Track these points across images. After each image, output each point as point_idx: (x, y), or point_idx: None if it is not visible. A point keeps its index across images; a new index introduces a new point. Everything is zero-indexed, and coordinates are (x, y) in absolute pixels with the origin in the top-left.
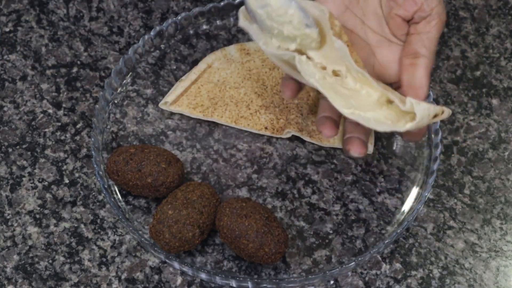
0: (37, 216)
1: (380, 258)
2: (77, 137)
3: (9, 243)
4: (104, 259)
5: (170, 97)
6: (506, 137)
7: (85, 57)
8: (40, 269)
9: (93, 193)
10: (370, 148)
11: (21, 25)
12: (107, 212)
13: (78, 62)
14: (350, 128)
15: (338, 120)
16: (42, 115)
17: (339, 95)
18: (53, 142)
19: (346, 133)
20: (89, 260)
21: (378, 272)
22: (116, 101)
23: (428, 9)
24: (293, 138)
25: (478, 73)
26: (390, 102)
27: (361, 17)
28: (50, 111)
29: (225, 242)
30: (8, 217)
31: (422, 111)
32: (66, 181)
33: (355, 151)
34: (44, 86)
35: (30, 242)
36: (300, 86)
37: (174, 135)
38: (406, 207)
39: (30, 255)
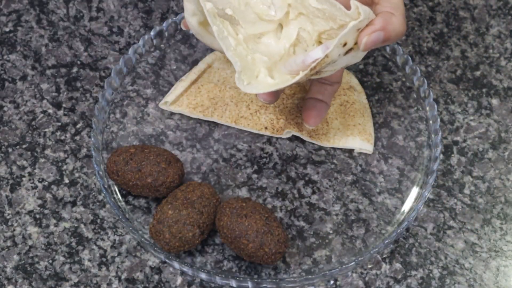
0: (37, 216)
1: (380, 258)
2: (77, 137)
3: (9, 243)
4: (104, 259)
5: (170, 97)
6: (506, 137)
7: (85, 57)
8: (40, 269)
9: (93, 193)
10: (370, 148)
11: (21, 25)
12: (107, 212)
13: (78, 62)
14: (314, 89)
15: (329, 102)
16: (42, 115)
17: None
18: (53, 142)
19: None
20: (89, 260)
21: (378, 272)
22: (116, 101)
23: None
24: (293, 138)
25: (478, 73)
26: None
27: None
28: (50, 111)
29: (225, 242)
30: (8, 217)
31: (367, 11)
32: (66, 181)
33: (311, 123)
34: (44, 86)
35: (30, 242)
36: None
37: (174, 135)
38: (406, 207)
39: (30, 255)
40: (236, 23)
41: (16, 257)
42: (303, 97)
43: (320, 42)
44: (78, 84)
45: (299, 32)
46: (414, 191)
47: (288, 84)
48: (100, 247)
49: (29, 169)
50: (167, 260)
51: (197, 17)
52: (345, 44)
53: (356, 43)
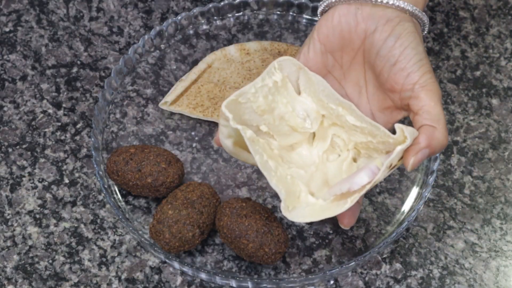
0: (37, 216)
1: (380, 258)
2: (77, 137)
3: (9, 243)
4: (104, 259)
5: (170, 97)
6: (506, 137)
7: (85, 57)
8: (40, 269)
9: (93, 193)
10: None
11: (21, 25)
12: (107, 212)
13: (78, 62)
14: None
15: (360, 201)
16: (42, 115)
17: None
18: (53, 142)
19: None
20: (89, 260)
21: (378, 272)
22: (116, 101)
23: (409, 86)
24: None
25: (478, 73)
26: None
27: (340, 81)
28: (50, 111)
29: (225, 242)
30: (8, 217)
31: (412, 132)
32: (66, 181)
33: (345, 224)
34: (44, 86)
35: (30, 242)
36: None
37: (174, 135)
38: (406, 207)
39: (30, 255)
40: (270, 137)
41: (16, 257)
42: None
43: (357, 150)
44: (78, 84)
45: (333, 138)
46: (414, 191)
47: (338, 212)
48: (100, 247)
49: (29, 169)
50: (167, 260)
51: (232, 139)
52: (390, 165)
53: (399, 159)
